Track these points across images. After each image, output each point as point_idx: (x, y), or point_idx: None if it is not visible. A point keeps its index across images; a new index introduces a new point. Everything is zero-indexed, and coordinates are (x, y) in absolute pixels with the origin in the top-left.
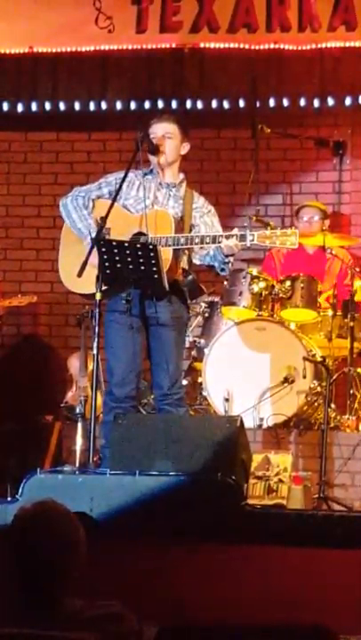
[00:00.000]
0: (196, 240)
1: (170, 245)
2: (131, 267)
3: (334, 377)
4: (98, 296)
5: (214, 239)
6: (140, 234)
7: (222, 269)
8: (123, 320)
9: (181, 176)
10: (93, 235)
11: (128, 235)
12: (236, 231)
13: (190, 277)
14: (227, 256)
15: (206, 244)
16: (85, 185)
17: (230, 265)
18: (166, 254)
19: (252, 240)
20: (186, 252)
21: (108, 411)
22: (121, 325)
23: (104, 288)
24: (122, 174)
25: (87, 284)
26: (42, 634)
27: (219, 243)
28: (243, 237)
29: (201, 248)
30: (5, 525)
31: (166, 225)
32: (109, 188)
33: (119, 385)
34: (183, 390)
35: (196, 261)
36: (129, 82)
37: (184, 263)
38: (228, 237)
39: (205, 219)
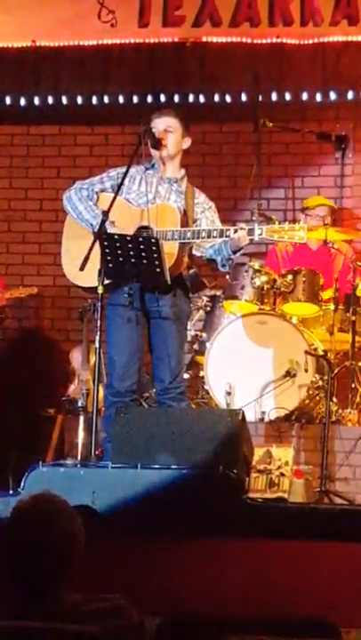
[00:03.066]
0: (203, 234)
1: (176, 239)
2: (133, 260)
3: (336, 371)
4: (100, 289)
5: (222, 233)
6: (145, 228)
7: (223, 265)
8: (124, 314)
9: (183, 171)
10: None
11: (132, 229)
12: (244, 225)
13: (192, 271)
14: (234, 252)
15: (213, 237)
16: (87, 179)
17: (232, 262)
18: (172, 248)
19: (261, 234)
20: (188, 244)
21: (108, 405)
22: (123, 319)
23: (106, 282)
24: (124, 169)
25: (90, 277)
26: (42, 627)
27: (226, 237)
28: (251, 231)
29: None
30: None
31: (171, 218)
32: (112, 182)
33: (120, 379)
34: (185, 384)
35: (197, 253)
36: (131, 76)
37: (186, 257)
38: (235, 231)
39: (207, 213)
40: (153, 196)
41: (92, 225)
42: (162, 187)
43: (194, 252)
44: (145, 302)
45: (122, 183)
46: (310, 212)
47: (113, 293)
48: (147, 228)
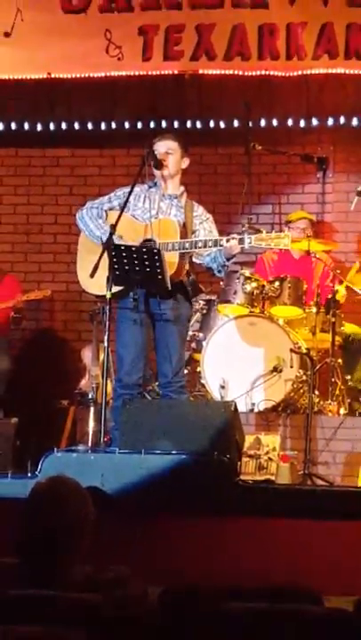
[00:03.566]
0: (200, 244)
1: (176, 250)
2: (137, 269)
3: (318, 367)
4: (108, 295)
5: (216, 242)
6: (149, 240)
7: (219, 271)
8: (131, 316)
9: (182, 188)
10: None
11: (138, 241)
12: (235, 235)
13: (190, 278)
14: (228, 259)
15: (209, 247)
16: (97, 196)
17: (227, 268)
18: (173, 258)
19: (250, 242)
20: (188, 253)
21: (117, 397)
22: (130, 321)
23: (116, 289)
24: (129, 188)
25: (101, 286)
26: (54, 595)
27: (220, 246)
28: (242, 240)
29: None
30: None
31: (172, 231)
32: (119, 200)
33: (128, 373)
34: (185, 379)
35: (196, 260)
36: (136, 104)
37: (187, 265)
38: (228, 240)
39: (205, 225)
40: (156, 211)
41: (101, 240)
42: (163, 203)
43: (194, 259)
44: (149, 306)
45: (127, 200)
46: (292, 224)
47: (122, 299)
48: (151, 240)
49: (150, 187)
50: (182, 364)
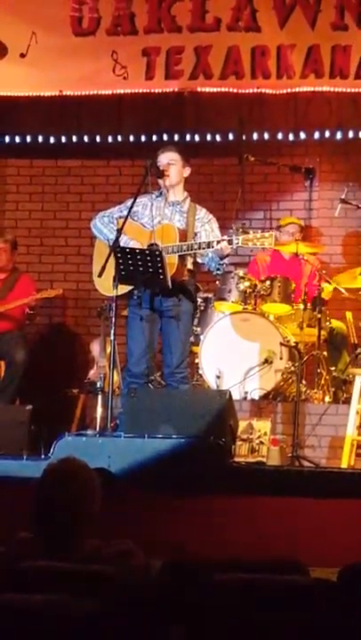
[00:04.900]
0: (195, 247)
1: (175, 252)
2: (141, 269)
3: (305, 359)
4: (114, 293)
5: (209, 244)
6: (154, 244)
7: (218, 269)
8: (140, 313)
9: (185, 194)
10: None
11: (145, 246)
12: (225, 237)
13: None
14: (221, 259)
15: (203, 248)
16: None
17: (224, 266)
18: (173, 260)
19: (238, 243)
20: (191, 255)
21: (125, 385)
22: (138, 317)
23: (127, 290)
24: (137, 199)
25: (111, 288)
26: (65, 566)
27: (213, 247)
28: (231, 241)
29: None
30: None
31: (173, 236)
32: (127, 210)
33: (136, 364)
34: (187, 370)
35: (199, 260)
36: (140, 119)
37: (190, 265)
38: (219, 242)
39: (206, 226)
40: (160, 218)
41: (111, 241)
42: (168, 209)
43: (198, 259)
44: (154, 304)
45: (131, 207)
46: (283, 229)
47: (131, 298)
48: (156, 245)
49: (157, 196)
50: (185, 357)
